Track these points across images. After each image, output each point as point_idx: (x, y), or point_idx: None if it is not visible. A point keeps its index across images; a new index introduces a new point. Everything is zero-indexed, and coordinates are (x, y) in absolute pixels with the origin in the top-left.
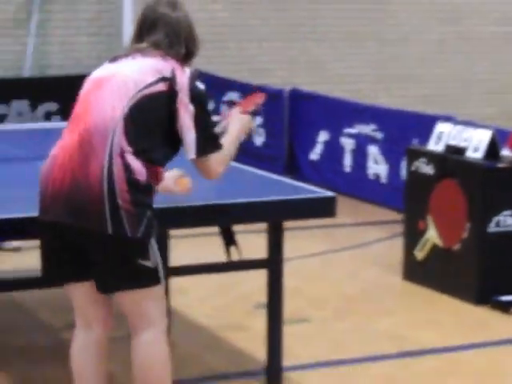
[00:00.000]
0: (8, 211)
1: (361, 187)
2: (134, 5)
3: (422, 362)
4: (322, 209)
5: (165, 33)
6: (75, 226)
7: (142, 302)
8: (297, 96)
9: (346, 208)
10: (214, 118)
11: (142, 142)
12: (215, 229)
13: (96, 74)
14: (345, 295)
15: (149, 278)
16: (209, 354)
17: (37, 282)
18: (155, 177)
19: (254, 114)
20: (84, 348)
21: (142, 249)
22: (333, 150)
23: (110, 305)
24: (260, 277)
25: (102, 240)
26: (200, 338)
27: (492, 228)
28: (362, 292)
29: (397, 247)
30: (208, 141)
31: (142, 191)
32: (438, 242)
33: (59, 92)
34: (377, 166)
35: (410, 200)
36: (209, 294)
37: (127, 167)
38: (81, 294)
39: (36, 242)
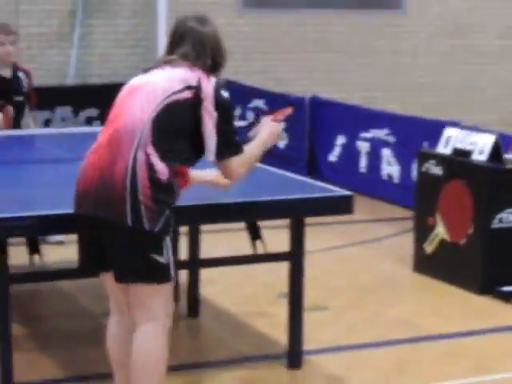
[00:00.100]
0: (52, 208)
1: (375, 187)
2: (168, 19)
3: (430, 347)
4: (340, 206)
5: (192, 45)
6: (100, 219)
7: (149, 297)
8: (316, 103)
9: (362, 206)
10: (241, 123)
11: (167, 144)
12: (242, 224)
13: (130, 83)
14: (360, 285)
15: (159, 274)
16: (235, 338)
17: (76, 272)
18: (178, 177)
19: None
20: (117, 333)
21: (157, 244)
22: (349, 153)
23: None
24: (282, 268)
25: (122, 232)
26: (227, 324)
27: (495, 224)
28: (376, 282)
29: (408, 242)
30: (228, 145)
31: (163, 190)
32: (446, 237)
33: (99, 99)
34: (390, 168)
35: (420, 198)
36: (236, 284)
37: (151, 166)
38: (111, 283)
39: (76, 236)
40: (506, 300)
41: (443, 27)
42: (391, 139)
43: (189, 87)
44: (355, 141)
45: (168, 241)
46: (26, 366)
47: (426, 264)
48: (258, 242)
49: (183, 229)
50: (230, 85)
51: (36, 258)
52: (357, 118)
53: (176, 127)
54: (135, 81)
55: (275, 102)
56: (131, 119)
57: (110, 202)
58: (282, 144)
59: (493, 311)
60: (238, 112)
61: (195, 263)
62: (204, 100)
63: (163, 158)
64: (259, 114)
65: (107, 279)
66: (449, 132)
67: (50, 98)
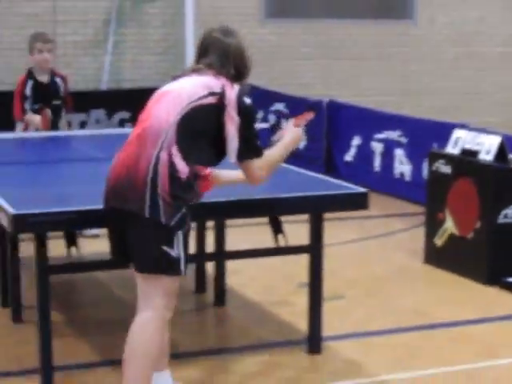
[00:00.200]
0: (87, 204)
1: (388, 184)
2: (195, 29)
3: (440, 333)
4: (356, 202)
5: (217, 55)
6: (124, 211)
7: (153, 287)
8: (334, 106)
9: (376, 202)
10: (263, 125)
11: (190, 145)
12: (265, 219)
13: (160, 89)
14: (374, 276)
15: (168, 266)
16: (259, 326)
17: (110, 263)
18: (200, 179)
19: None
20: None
21: (169, 237)
22: (364, 153)
23: None
24: (303, 260)
25: (140, 223)
26: (251, 312)
27: (501, 219)
28: (389, 274)
29: (419, 235)
30: (249, 149)
31: (182, 187)
32: (455, 231)
33: (131, 102)
34: (402, 167)
35: (430, 195)
36: (259, 275)
37: (172, 165)
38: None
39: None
40: (511, 290)
41: (450, 36)
42: (403, 140)
43: (213, 93)
44: (370, 142)
45: (181, 236)
46: (64, 350)
47: (436, 256)
48: (279, 236)
49: (210, 223)
50: (253, 89)
51: (73, 250)
52: (371, 121)
53: (199, 130)
54: (165, 87)
55: (295, 105)
56: (157, 121)
57: (131, 196)
58: (301, 145)
59: (499, 301)
60: (260, 115)
61: (221, 255)
62: (227, 106)
63: (185, 158)
64: (280, 116)
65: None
66: (457, 133)
67: (85, 101)
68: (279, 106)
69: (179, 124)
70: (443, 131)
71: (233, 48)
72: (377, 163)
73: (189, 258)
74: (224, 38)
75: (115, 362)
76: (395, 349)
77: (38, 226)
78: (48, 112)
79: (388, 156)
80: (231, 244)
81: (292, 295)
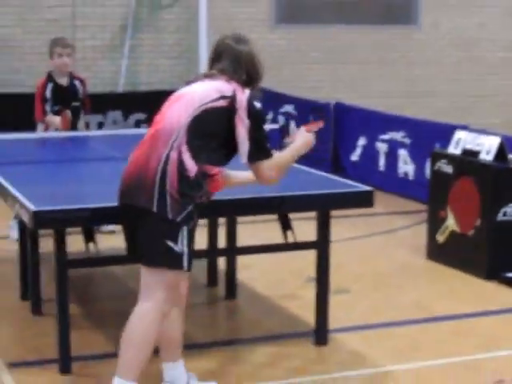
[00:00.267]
0: (104, 201)
1: (393, 183)
2: (208, 34)
3: (441, 326)
4: (362, 200)
5: (229, 61)
6: (134, 207)
7: (154, 280)
8: (340, 108)
9: (381, 200)
10: (273, 126)
11: (199, 145)
12: (274, 216)
13: (175, 93)
14: (379, 271)
15: (170, 260)
16: (268, 318)
17: (126, 258)
18: (208, 179)
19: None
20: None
21: (175, 232)
22: (370, 153)
23: None
24: (310, 256)
25: (147, 217)
26: (260, 305)
27: (500, 217)
28: (393, 269)
29: (422, 232)
30: (259, 150)
31: (190, 185)
32: (456, 228)
33: (146, 104)
34: (406, 166)
35: (432, 194)
36: (268, 269)
37: (181, 163)
38: None
39: None
40: (510, 285)
41: (453, 41)
42: (407, 141)
43: (224, 97)
44: (375, 142)
45: (186, 232)
46: (81, 341)
47: (438, 252)
48: (288, 233)
49: (221, 220)
50: (263, 92)
51: (91, 245)
52: (376, 122)
53: (209, 131)
54: (179, 91)
55: (303, 107)
56: (170, 122)
57: (142, 193)
58: None
59: (498, 295)
60: (270, 116)
61: (232, 251)
62: (238, 109)
63: (194, 157)
64: (289, 118)
65: None
66: (459, 134)
67: (102, 103)
68: (288, 108)
69: (190, 125)
70: (445, 132)
71: (244, 54)
72: (381, 163)
73: (194, 254)
74: (236, 45)
75: None
76: (398, 341)
77: (57, 222)
78: (68, 113)
79: (392, 156)
80: (242, 240)
81: (300, 289)
